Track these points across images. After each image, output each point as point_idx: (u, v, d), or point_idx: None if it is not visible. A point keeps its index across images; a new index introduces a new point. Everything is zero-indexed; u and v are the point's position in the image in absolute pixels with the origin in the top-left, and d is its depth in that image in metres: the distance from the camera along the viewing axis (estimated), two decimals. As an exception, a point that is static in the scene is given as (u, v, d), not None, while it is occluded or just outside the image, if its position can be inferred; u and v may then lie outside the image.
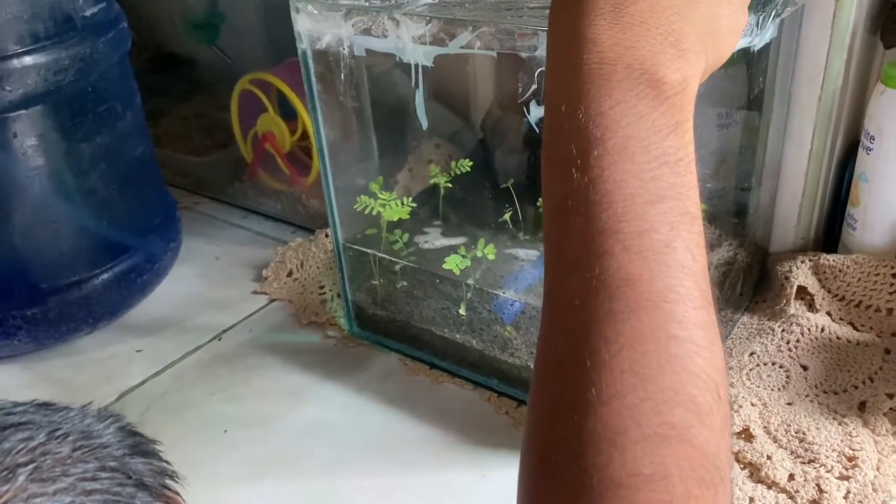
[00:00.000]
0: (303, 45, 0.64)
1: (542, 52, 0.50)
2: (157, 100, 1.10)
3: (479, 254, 0.67)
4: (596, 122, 0.38)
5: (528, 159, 0.81)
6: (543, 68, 0.52)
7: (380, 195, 0.71)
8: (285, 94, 0.96)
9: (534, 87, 0.53)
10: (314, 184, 0.99)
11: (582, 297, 0.37)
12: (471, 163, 0.75)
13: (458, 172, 0.75)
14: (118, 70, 0.80)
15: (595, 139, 0.38)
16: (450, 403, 0.70)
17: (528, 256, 0.72)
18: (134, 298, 0.84)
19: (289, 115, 1.00)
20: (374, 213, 0.71)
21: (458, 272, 0.66)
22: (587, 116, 0.38)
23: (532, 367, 0.61)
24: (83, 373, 0.78)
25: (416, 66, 0.58)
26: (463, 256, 0.67)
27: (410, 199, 0.71)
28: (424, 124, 0.62)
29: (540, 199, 0.73)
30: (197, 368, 0.77)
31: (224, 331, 0.82)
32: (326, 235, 0.92)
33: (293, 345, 0.79)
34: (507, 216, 0.74)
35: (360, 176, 0.78)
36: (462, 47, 0.54)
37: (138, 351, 0.80)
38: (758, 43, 0.58)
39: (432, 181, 0.76)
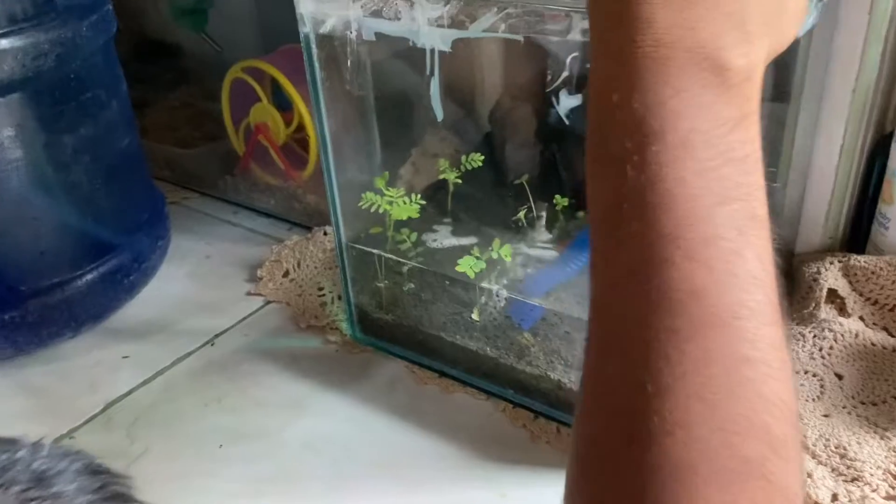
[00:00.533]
0: (305, 28, 0.59)
1: (575, 35, 0.46)
2: (142, 89, 1.05)
3: (494, 255, 0.63)
4: (654, 114, 0.34)
5: (540, 153, 0.76)
6: (576, 54, 0.48)
7: (386, 192, 0.66)
8: (280, 84, 0.91)
9: (565, 74, 0.48)
10: (311, 178, 0.94)
11: (639, 312, 0.32)
12: (482, 157, 0.70)
13: (469, 167, 0.71)
14: (102, 56, 0.74)
15: (653, 133, 0.34)
16: (462, 415, 0.65)
17: (546, 257, 0.68)
18: (120, 300, 0.79)
19: (283, 105, 0.95)
20: (381, 211, 0.66)
21: (472, 275, 0.61)
22: (644, 107, 0.34)
23: (551, 376, 0.56)
24: (65, 381, 0.72)
25: (432, 51, 0.53)
26: (477, 258, 0.62)
27: (418, 195, 0.67)
28: (439, 115, 0.57)
29: (557, 197, 0.69)
30: (189, 376, 0.72)
31: (217, 335, 0.77)
32: (325, 233, 0.87)
33: (291, 350, 0.74)
34: (521, 214, 0.69)
35: (363, 171, 0.73)
36: (484, 31, 0.49)
37: (125, 357, 0.75)
38: (801, 29, 0.53)
39: (441, 176, 0.71)
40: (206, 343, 0.76)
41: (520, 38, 0.48)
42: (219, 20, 1.13)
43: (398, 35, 0.53)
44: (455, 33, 0.51)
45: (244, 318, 0.79)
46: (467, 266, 0.62)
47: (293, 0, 0.59)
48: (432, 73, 0.54)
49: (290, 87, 0.88)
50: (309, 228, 0.94)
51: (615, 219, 0.34)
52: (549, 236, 0.70)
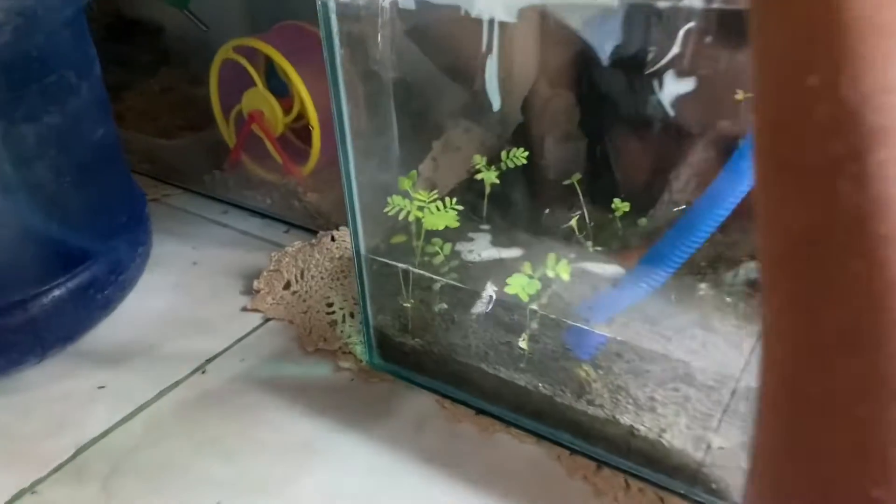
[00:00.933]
0: (324, -5, 0.47)
1: (690, 0, 0.35)
2: (118, 72, 0.93)
3: (550, 273, 0.52)
4: (876, 105, 0.24)
5: (589, 148, 0.66)
6: (692, 24, 0.37)
7: (415, 195, 0.55)
8: (277, 65, 0.79)
9: (675, 51, 0.37)
10: (312, 174, 0.83)
11: (866, 395, 0.22)
12: (526, 153, 0.60)
13: (511, 165, 0.60)
14: (71, 31, 0.62)
15: (876, 132, 0.23)
16: (507, 462, 0.55)
17: (603, 273, 0.57)
18: (94, 319, 0.67)
19: (280, 90, 0.83)
20: (410, 219, 0.55)
21: (525, 297, 0.51)
22: (860, 96, 0.23)
23: (620, 420, 0.46)
24: (28, 418, 0.61)
25: (491, 22, 0.42)
26: (530, 277, 0.51)
27: (453, 200, 0.56)
28: (496, 104, 0.46)
29: (616, 201, 0.58)
30: (176, 412, 0.61)
31: (209, 360, 0.66)
32: (333, 239, 0.76)
33: (298, 380, 0.63)
34: (573, 221, 0.58)
35: (382, 169, 0.62)
36: (564, -4, 0.38)
37: (101, 388, 0.63)
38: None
39: (479, 175, 0.60)
40: (197, 370, 0.65)
41: (614, 2, 0.37)
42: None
43: (447, 3, 0.42)
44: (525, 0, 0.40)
45: (240, 339, 0.68)
46: (519, 287, 0.51)
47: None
48: (490, 51, 0.43)
49: (291, 69, 0.76)
50: (310, 231, 0.83)
51: (818, 255, 0.24)
52: (604, 248, 0.59)
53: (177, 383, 0.63)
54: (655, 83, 0.39)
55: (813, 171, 0.23)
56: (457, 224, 0.54)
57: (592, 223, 0.59)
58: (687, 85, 0.39)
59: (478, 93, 0.72)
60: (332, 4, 0.47)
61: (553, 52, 0.70)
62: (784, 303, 0.24)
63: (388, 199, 0.55)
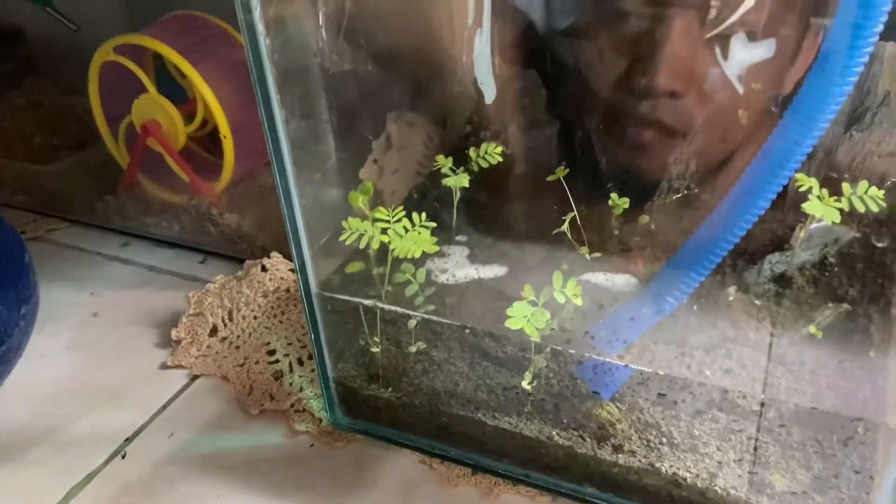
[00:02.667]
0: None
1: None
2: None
3: (558, 296, 0.42)
4: None
5: (562, 135, 0.56)
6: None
7: (373, 214, 0.44)
8: (170, 64, 0.66)
9: (741, 10, 0.27)
10: (226, 190, 0.70)
11: None
12: (501, 148, 0.49)
13: (484, 165, 0.49)
14: None
15: None
16: (522, 531, 0.45)
17: (612, 285, 0.47)
18: (-30, 406, 0.53)
19: (175, 94, 0.70)
20: (374, 245, 0.43)
21: (534, 333, 0.40)
22: None
23: (659, 467, 0.37)
24: None
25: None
26: (533, 304, 0.41)
27: (422, 216, 0.45)
28: (489, 95, 0.36)
29: (613, 197, 0.49)
30: (93, 516, 0.48)
31: (128, 440, 0.53)
32: (264, 269, 0.63)
33: (244, 453, 0.51)
34: (565, 226, 0.48)
35: (323, 181, 0.50)
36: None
37: (-12, 495, 0.49)
38: None
39: (447, 182, 0.49)
40: (114, 455, 0.51)
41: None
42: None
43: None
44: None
45: (164, 407, 0.55)
46: (522, 319, 0.40)
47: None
48: (480, 27, 0.32)
49: (189, 68, 0.63)
50: (232, 259, 0.70)
51: None
52: (603, 254, 0.50)
53: (90, 476, 0.50)
54: (717, 49, 0.29)
55: None
56: (436, 248, 0.43)
57: (581, 224, 0.49)
58: (765, 49, 0.29)
59: (421, 79, 0.61)
60: (253, -20, 0.35)
61: (503, 21, 0.59)
62: None
63: (344, 224, 0.44)
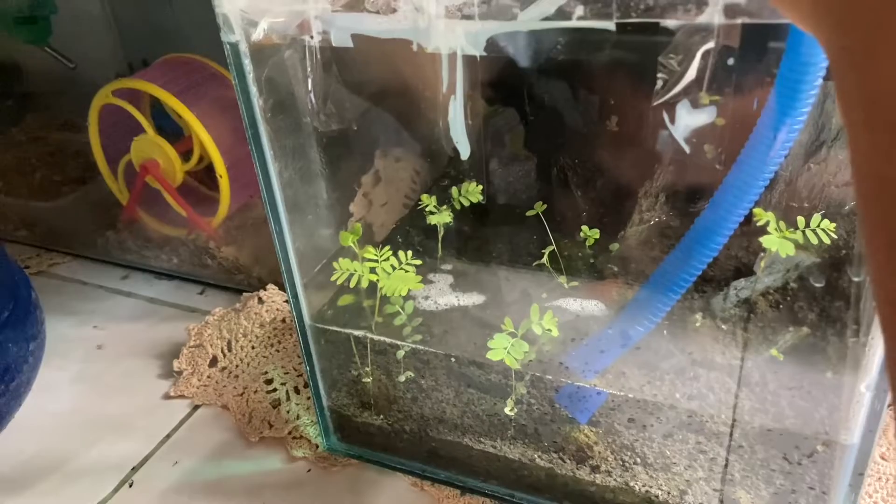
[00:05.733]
0: (233, 36, 0.38)
1: (710, 18, 0.28)
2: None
3: (535, 329, 0.45)
4: None
5: (539, 169, 0.59)
6: (710, 46, 0.30)
7: (363, 253, 0.47)
8: (165, 105, 0.69)
9: (688, 76, 0.30)
10: (223, 224, 0.73)
11: None
12: (481, 187, 0.52)
13: (466, 203, 0.52)
14: None
15: None
16: (508, 548, 0.48)
17: (581, 311, 0.50)
18: (-16, 440, 0.56)
19: (171, 130, 0.73)
20: (363, 284, 0.47)
21: (513, 364, 0.43)
22: None
23: (633, 486, 0.40)
24: (-84, 582, 0.49)
25: (451, 57, 0.34)
26: (513, 336, 0.44)
27: (409, 254, 0.48)
28: (465, 152, 0.39)
29: (585, 229, 0.52)
30: (104, 543, 0.51)
31: (135, 468, 0.55)
32: (260, 301, 0.66)
33: (246, 479, 0.54)
34: (545, 258, 0.52)
35: (315, 220, 0.53)
36: (546, 19, 0.31)
37: (3, 526, 0.52)
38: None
39: (432, 221, 0.52)
40: (122, 484, 0.54)
41: (611, 25, 0.30)
42: (67, 29, 0.89)
43: (393, 36, 0.34)
44: (496, 27, 0.32)
45: (168, 437, 0.58)
46: (502, 351, 0.44)
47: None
48: (454, 92, 0.35)
49: (186, 112, 0.66)
50: (229, 290, 0.73)
51: None
52: (579, 282, 0.53)
53: (99, 505, 0.53)
54: (665, 116, 0.32)
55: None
56: (420, 286, 0.46)
57: (557, 253, 0.53)
58: (706, 115, 0.32)
59: (408, 118, 0.64)
60: (244, 47, 0.38)
61: (484, 63, 0.62)
62: None
63: (334, 265, 0.47)
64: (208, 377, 0.62)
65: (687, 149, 0.33)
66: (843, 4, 0.21)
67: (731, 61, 0.30)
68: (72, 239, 0.80)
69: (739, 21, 0.29)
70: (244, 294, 0.68)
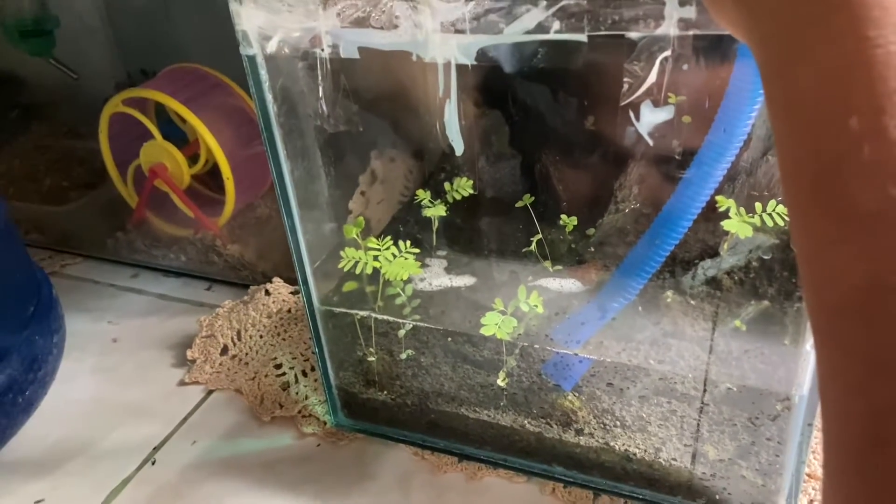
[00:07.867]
0: (250, 50, 0.43)
1: (666, 29, 0.34)
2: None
3: (523, 306, 0.50)
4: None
5: (523, 166, 0.64)
6: (667, 53, 0.35)
7: (365, 243, 0.52)
8: (169, 109, 0.74)
9: (650, 80, 0.36)
10: (229, 223, 0.77)
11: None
12: (471, 182, 0.58)
13: (459, 197, 0.58)
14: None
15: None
16: (502, 503, 0.53)
17: (566, 289, 0.56)
18: (17, 425, 0.60)
19: (175, 137, 0.77)
20: (368, 270, 0.52)
21: (503, 336, 0.48)
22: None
23: (613, 446, 0.45)
24: (-39, 553, 0.54)
25: (446, 66, 0.40)
26: (503, 313, 0.49)
27: (408, 243, 0.53)
28: (459, 149, 0.44)
29: (563, 217, 0.57)
30: (132, 514, 0.55)
31: (156, 448, 0.60)
32: (267, 293, 0.71)
33: (260, 455, 0.59)
34: (533, 245, 0.57)
35: (321, 215, 0.58)
36: (528, 32, 0.36)
37: (38, 502, 0.57)
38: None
39: (427, 213, 0.57)
40: (145, 462, 0.59)
41: (583, 37, 0.35)
42: (69, 41, 0.93)
43: (395, 48, 0.39)
44: (485, 40, 0.37)
45: (185, 419, 0.63)
46: (494, 326, 0.49)
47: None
48: (448, 97, 0.40)
49: (194, 119, 0.71)
50: (235, 285, 0.78)
51: (871, 305, 0.23)
52: (562, 266, 0.58)
53: (125, 481, 0.57)
54: (631, 115, 0.38)
55: (865, 219, 0.22)
56: (420, 271, 0.51)
57: (542, 240, 0.58)
58: (666, 113, 0.38)
59: (403, 121, 0.69)
60: (261, 59, 0.43)
61: (474, 70, 0.68)
62: (835, 350, 0.24)
63: (341, 253, 0.52)
64: (220, 364, 0.66)
65: (651, 142, 0.38)
66: (767, 22, 0.26)
67: (685, 67, 0.35)
68: (83, 241, 0.85)
69: (691, 32, 0.34)
70: (252, 287, 0.73)
